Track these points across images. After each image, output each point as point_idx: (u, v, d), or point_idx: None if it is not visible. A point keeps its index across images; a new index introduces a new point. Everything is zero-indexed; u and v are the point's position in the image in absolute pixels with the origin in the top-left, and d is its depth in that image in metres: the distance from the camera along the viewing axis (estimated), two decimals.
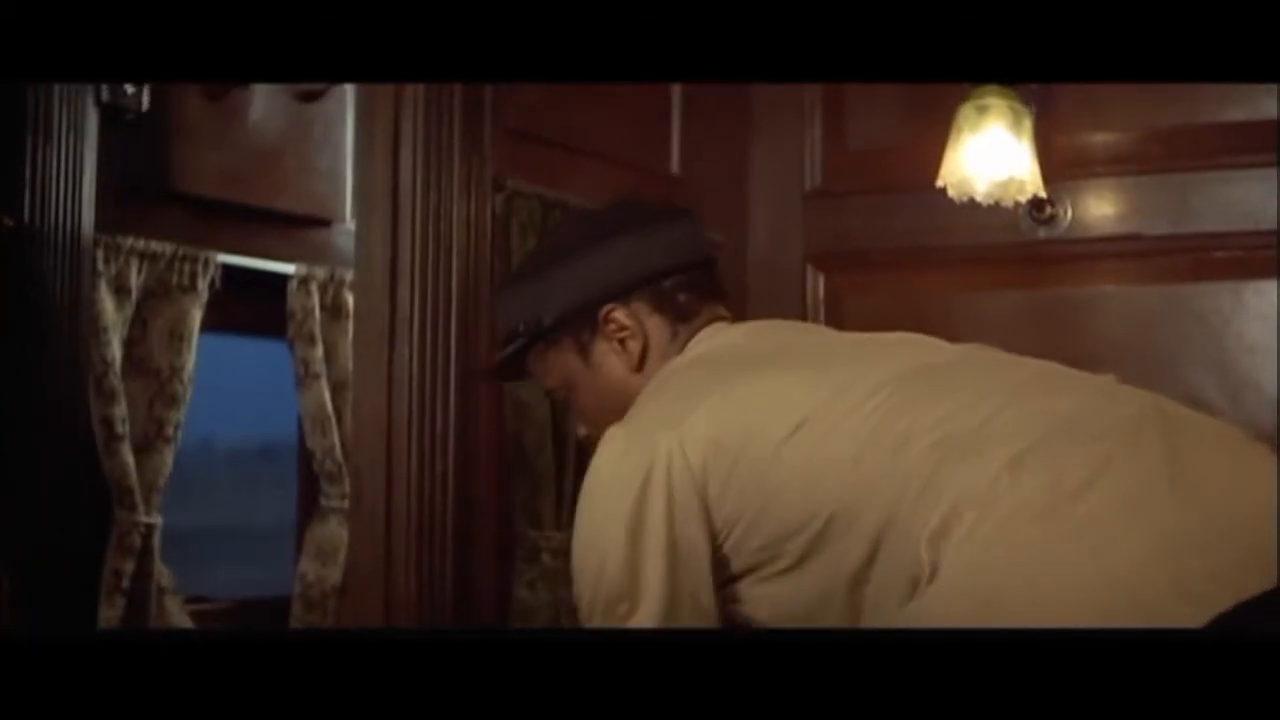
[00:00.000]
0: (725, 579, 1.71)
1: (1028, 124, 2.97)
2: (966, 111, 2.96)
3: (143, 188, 3.13)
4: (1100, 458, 1.54)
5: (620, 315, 1.92)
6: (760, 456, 1.65)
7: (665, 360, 1.90)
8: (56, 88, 2.94)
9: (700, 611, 1.69)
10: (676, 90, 2.98)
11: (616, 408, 1.87)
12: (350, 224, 3.29)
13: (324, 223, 3.46)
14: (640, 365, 1.92)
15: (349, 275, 3.23)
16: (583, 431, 2.05)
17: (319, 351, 3.43)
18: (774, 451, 1.64)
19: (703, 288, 1.95)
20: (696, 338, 1.90)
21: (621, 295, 1.92)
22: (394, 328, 2.48)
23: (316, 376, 3.43)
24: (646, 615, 1.67)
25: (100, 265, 3.04)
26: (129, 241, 3.09)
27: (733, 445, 1.66)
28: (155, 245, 3.13)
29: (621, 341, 1.93)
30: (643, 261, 1.93)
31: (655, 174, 2.94)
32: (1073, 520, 1.50)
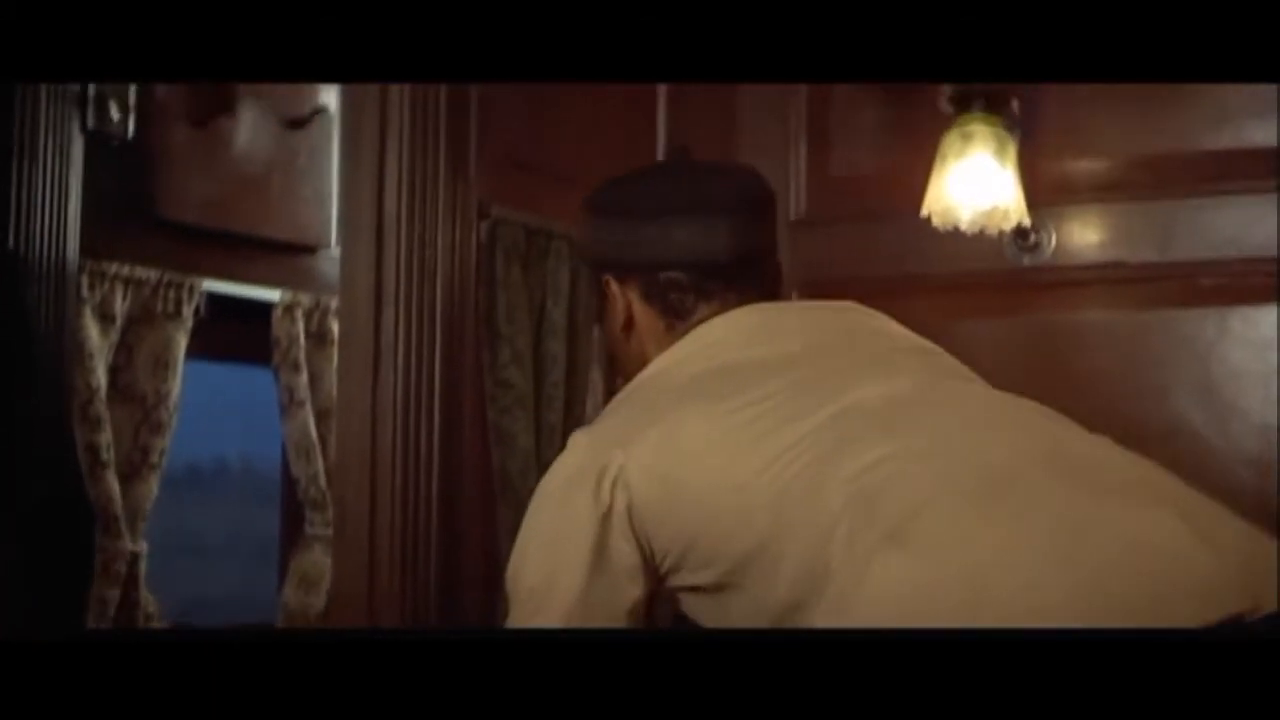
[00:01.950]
0: (672, 589, 1.76)
1: (1012, 151, 2.98)
2: (951, 139, 2.97)
3: (128, 214, 3.13)
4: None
5: (614, 288, 1.99)
6: (696, 489, 1.70)
7: (658, 346, 1.94)
8: (43, 113, 2.94)
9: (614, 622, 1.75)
10: (661, 119, 2.99)
11: (619, 359, 2.06)
12: (335, 251, 3.29)
13: (309, 249, 3.46)
14: (627, 335, 2.00)
15: (334, 302, 3.22)
16: None
17: (303, 378, 3.43)
18: (708, 486, 1.69)
19: (703, 289, 1.94)
20: (689, 335, 1.91)
21: (618, 271, 1.99)
22: (378, 355, 2.48)
23: (301, 404, 3.43)
24: (552, 618, 1.73)
25: (85, 291, 3.04)
26: (114, 268, 3.08)
27: (672, 475, 1.71)
28: (140, 271, 3.13)
29: (616, 308, 2.00)
30: (642, 250, 1.96)
31: None
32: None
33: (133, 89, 3.09)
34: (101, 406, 3.06)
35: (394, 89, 2.49)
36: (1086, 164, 3.19)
